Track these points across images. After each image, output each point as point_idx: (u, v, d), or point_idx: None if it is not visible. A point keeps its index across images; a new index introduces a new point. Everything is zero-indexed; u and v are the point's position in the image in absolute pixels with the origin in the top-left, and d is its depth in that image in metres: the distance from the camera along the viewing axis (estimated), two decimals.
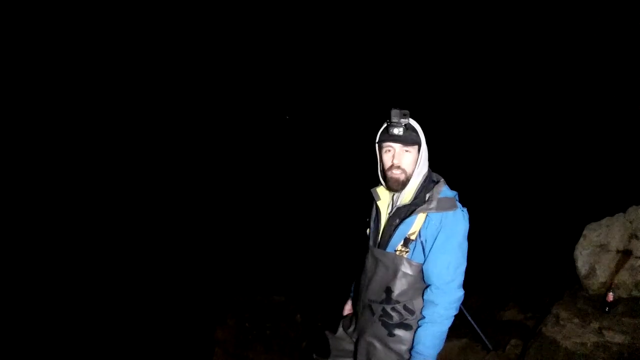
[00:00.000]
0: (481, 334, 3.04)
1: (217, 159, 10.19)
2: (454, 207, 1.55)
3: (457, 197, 1.65)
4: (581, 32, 7.37)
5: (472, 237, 1.60)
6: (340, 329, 1.87)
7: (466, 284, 1.57)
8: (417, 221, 1.56)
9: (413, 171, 1.60)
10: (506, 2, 8.72)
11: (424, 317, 1.57)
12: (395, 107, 1.55)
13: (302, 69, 11.77)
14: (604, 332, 2.55)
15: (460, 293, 1.56)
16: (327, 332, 1.91)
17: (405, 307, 1.61)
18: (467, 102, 9.88)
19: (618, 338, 2.48)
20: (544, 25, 8.12)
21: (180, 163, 9.72)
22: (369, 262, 1.68)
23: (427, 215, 1.55)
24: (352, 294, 1.99)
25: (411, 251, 1.58)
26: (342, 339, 1.85)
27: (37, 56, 8.60)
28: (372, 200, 1.76)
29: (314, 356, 1.92)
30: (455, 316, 1.59)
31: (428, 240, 1.55)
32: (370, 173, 1.73)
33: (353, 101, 10.75)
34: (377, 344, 1.65)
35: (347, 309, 1.99)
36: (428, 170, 1.66)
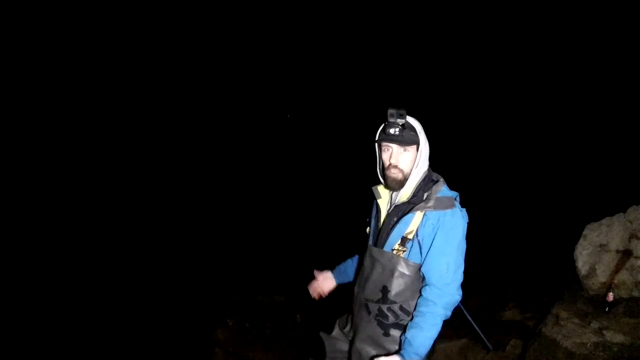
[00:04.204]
0: (481, 334, 3.03)
1: (217, 159, 10.18)
2: (452, 206, 1.53)
3: (457, 198, 1.65)
4: (581, 32, 7.37)
5: (472, 237, 1.58)
6: (337, 329, 1.86)
7: (466, 284, 1.55)
8: (415, 220, 1.55)
9: (411, 170, 1.60)
10: (506, 2, 8.71)
11: (419, 315, 1.50)
12: (393, 107, 1.54)
13: (303, 68, 11.76)
14: (604, 332, 2.55)
15: (459, 296, 1.51)
16: (321, 333, 1.89)
17: (401, 308, 1.58)
18: (468, 102, 9.88)
19: (618, 338, 2.48)
20: (544, 25, 8.12)
21: (180, 163, 9.71)
22: (367, 260, 1.67)
23: (424, 213, 1.53)
24: (334, 272, 1.99)
25: (408, 250, 1.56)
26: (337, 339, 1.83)
27: (37, 56, 8.60)
28: (373, 199, 1.76)
29: (310, 359, 1.91)
30: (455, 316, 1.57)
31: (425, 240, 1.53)
32: (371, 172, 1.73)
33: (354, 100, 10.74)
34: (371, 345, 1.62)
35: (317, 289, 1.98)
36: (428, 169, 1.65)
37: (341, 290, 2.02)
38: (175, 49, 10.73)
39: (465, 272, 1.55)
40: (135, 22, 9.91)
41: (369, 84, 10.94)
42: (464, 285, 1.54)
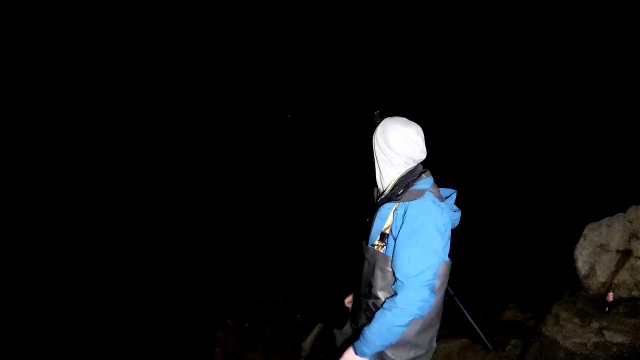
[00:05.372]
0: (481, 334, 3.05)
1: (217, 159, 10.19)
2: (419, 196, 1.48)
3: (454, 196, 1.65)
4: (581, 31, 7.37)
5: (473, 237, 1.58)
6: (348, 324, 1.89)
7: (466, 284, 1.54)
8: (391, 215, 1.54)
9: (375, 168, 1.67)
10: (506, 2, 8.72)
11: (380, 310, 1.49)
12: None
13: (304, 68, 11.77)
14: (604, 332, 2.55)
15: (424, 293, 1.41)
16: (335, 330, 1.92)
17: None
18: (468, 102, 9.89)
19: (618, 338, 2.48)
20: (543, 25, 8.12)
21: (180, 163, 9.72)
22: (361, 257, 1.72)
23: (397, 207, 1.52)
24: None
25: (387, 246, 1.55)
26: (348, 334, 1.87)
27: (37, 56, 8.60)
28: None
29: (321, 355, 1.92)
30: (456, 316, 1.56)
31: (396, 233, 1.50)
32: (370, 172, 1.74)
33: (355, 100, 10.74)
34: None
35: (347, 301, 2.00)
36: (415, 166, 1.62)
37: (342, 290, 2.04)
38: (174, 49, 10.74)
39: (465, 272, 1.54)
40: (134, 22, 9.92)
41: (369, 84, 10.94)
42: (464, 285, 1.52)
